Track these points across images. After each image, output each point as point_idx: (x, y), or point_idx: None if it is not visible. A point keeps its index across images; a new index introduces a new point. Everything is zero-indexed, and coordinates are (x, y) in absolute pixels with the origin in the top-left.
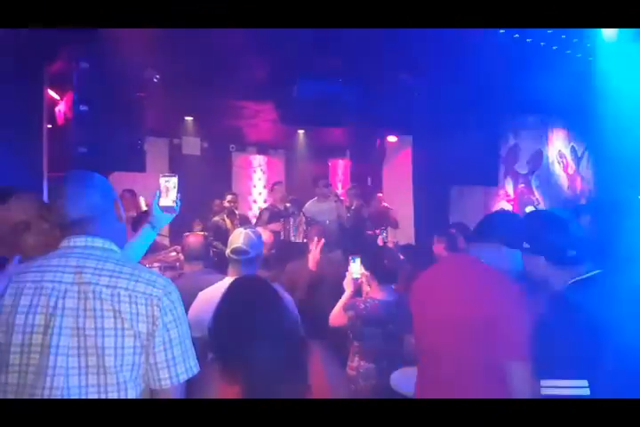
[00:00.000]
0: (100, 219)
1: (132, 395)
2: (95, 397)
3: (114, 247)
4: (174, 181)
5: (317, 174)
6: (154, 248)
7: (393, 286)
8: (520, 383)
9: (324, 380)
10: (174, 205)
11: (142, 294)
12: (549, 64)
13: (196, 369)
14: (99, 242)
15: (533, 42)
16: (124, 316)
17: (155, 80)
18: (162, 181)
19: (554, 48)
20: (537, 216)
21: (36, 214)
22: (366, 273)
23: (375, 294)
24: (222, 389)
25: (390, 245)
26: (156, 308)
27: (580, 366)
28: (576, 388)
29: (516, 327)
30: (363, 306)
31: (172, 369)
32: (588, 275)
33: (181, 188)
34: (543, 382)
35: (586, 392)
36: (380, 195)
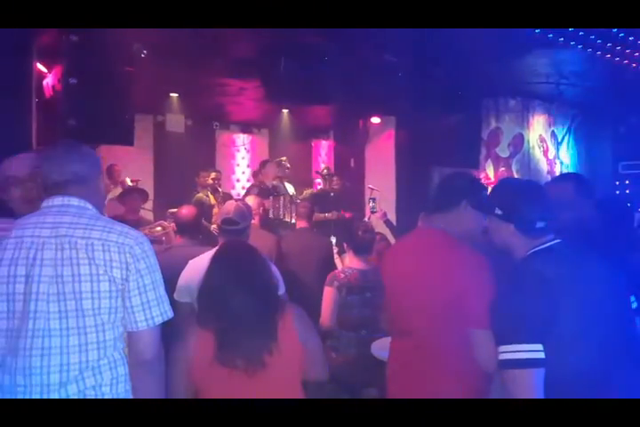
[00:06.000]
0: (81, 184)
1: (109, 336)
2: (75, 338)
3: (89, 206)
4: None
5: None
6: (139, 223)
7: (368, 258)
8: (482, 352)
9: (294, 338)
10: None
11: (115, 243)
12: (531, 48)
13: (170, 313)
14: (74, 201)
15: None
16: (98, 262)
17: (142, 55)
18: None
19: (536, 31)
20: (512, 184)
21: (27, 173)
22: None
23: (352, 263)
24: (200, 340)
25: (379, 214)
26: (128, 255)
27: (534, 332)
28: (530, 351)
29: (478, 297)
30: (343, 275)
31: (147, 312)
32: (547, 244)
33: (165, 165)
34: (499, 349)
35: (540, 356)
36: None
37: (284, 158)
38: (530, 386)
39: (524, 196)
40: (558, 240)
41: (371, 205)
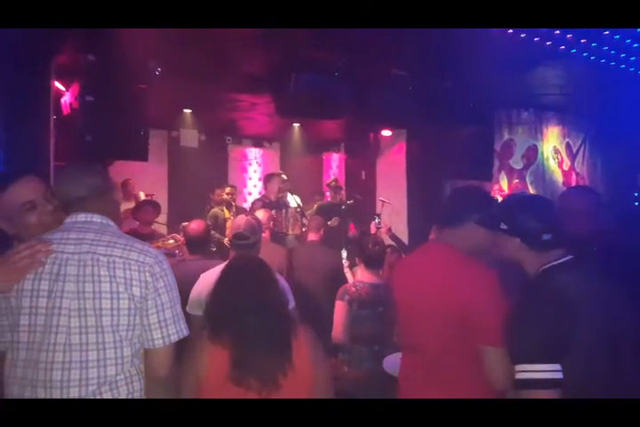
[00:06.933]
0: (100, 199)
1: (127, 352)
2: (94, 353)
3: (111, 223)
4: None
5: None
6: (152, 237)
7: (380, 271)
8: (494, 369)
9: (306, 358)
10: None
11: (135, 262)
12: (543, 60)
13: (186, 331)
14: (97, 218)
15: (528, 37)
16: (118, 280)
17: (157, 73)
18: None
19: (547, 44)
20: (515, 199)
21: (42, 196)
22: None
23: (364, 277)
24: (213, 357)
25: (384, 230)
26: (147, 273)
27: (553, 351)
28: (550, 372)
29: (489, 314)
30: (354, 289)
31: (163, 330)
32: (559, 261)
33: (179, 179)
34: (517, 367)
35: (560, 376)
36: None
37: (280, 172)
38: None
39: (526, 209)
40: (571, 256)
41: (376, 221)
